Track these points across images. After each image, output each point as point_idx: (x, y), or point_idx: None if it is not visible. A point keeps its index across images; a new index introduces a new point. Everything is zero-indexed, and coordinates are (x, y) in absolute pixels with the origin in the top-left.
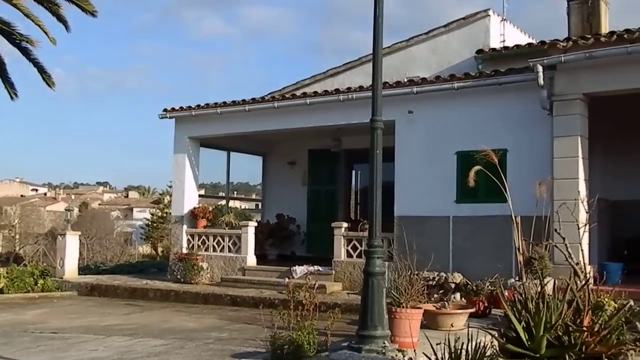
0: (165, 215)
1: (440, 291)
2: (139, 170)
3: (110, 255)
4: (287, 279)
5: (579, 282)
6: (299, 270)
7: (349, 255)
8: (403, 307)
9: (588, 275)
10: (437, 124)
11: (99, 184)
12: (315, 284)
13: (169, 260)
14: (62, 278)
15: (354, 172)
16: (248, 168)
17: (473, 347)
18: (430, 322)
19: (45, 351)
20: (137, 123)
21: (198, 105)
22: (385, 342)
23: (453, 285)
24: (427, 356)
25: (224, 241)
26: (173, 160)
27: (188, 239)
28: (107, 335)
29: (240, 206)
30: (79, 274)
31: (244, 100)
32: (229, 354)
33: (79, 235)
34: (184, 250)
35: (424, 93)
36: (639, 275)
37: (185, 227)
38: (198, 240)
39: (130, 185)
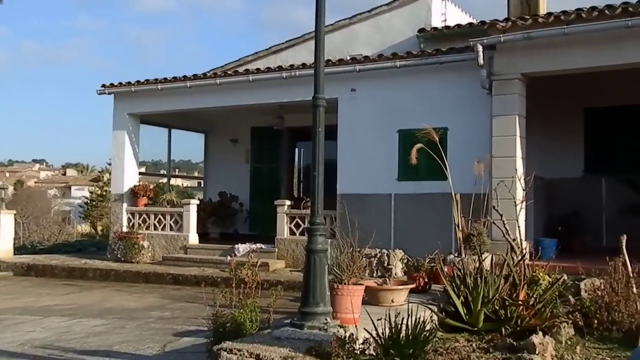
0: (104, 193)
1: (382, 268)
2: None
3: (48, 234)
4: (229, 257)
5: (515, 257)
6: (242, 248)
7: (292, 233)
8: (345, 284)
9: (524, 251)
10: (380, 102)
11: (35, 161)
12: (257, 262)
13: (108, 239)
14: None
15: (297, 150)
16: (190, 145)
17: (413, 322)
18: (371, 298)
19: None
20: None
21: (138, 81)
22: (327, 318)
23: (394, 262)
24: (368, 331)
25: (165, 219)
26: (112, 137)
27: (128, 218)
28: (45, 316)
29: (183, 184)
30: (15, 254)
31: (185, 77)
32: (170, 332)
33: (14, 214)
34: (124, 229)
35: (366, 71)
36: (572, 251)
37: (125, 205)
38: (139, 219)
39: (68, 163)
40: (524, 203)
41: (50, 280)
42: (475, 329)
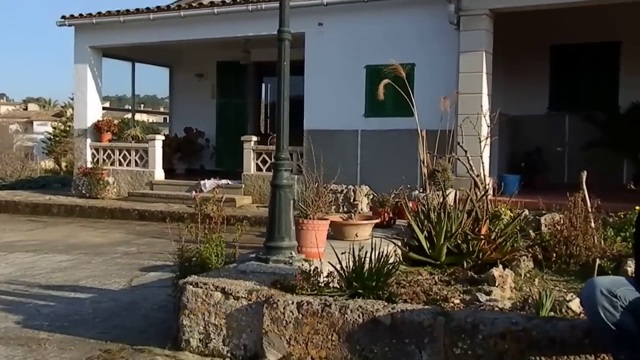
0: (68, 128)
1: (348, 204)
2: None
3: (10, 170)
4: (194, 192)
5: (478, 193)
6: (208, 184)
7: (259, 168)
8: (310, 218)
9: (487, 187)
10: (347, 37)
11: None
12: (222, 197)
13: (73, 175)
14: None
15: (263, 85)
16: (155, 80)
17: (376, 255)
18: (336, 233)
19: None
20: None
21: (99, 13)
22: (292, 252)
23: (360, 198)
24: (332, 265)
25: (130, 155)
26: (74, 71)
27: (92, 153)
28: (9, 252)
29: (148, 120)
30: None
31: (148, 9)
32: (137, 267)
33: None
34: (89, 165)
35: (334, 5)
36: (535, 187)
37: (89, 140)
38: (103, 155)
39: (29, 97)
40: (489, 139)
41: (13, 217)
42: (438, 262)
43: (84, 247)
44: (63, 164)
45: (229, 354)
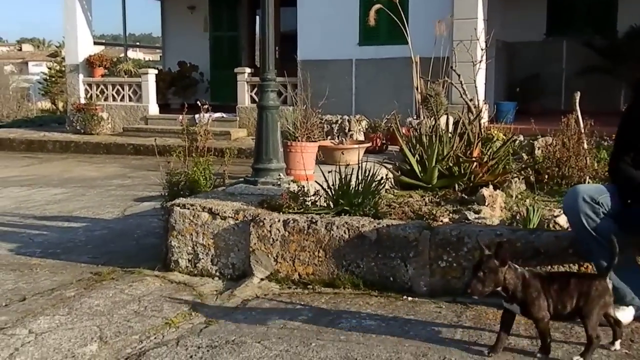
0: (63, 69)
1: (342, 134)
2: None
3: (7, 111)
4: (180, 117)
5: (471, 117)
6: (203, 117)
7: (253, 101)
8: (298, 141)
9: (480, 111)
10: None
11: None
12: (208, 119)
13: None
14: None
15: (257, 17)
16: (149, 18)
17: (362, 174)
18: (327, 157)
19: None
20: None
21: None
22: (281, 174)
23: (355, 128)
24: (319, 184)
25: (123, 90)
26: (63, 5)
27: (85, 89)
28: (4, 187)
29: (144, 58)
30: None
31: None
32: (131, 198)
33: None
34: (82, 101)
35: None
36: (531, 113)
37: (81, 76)
38: (96, 90)
39: (23, 38)
40: (483, 63)
41: (8, 154)
42: (430, 185)
43: (79, 180)
44: (60, 104)
45: (217, 273)
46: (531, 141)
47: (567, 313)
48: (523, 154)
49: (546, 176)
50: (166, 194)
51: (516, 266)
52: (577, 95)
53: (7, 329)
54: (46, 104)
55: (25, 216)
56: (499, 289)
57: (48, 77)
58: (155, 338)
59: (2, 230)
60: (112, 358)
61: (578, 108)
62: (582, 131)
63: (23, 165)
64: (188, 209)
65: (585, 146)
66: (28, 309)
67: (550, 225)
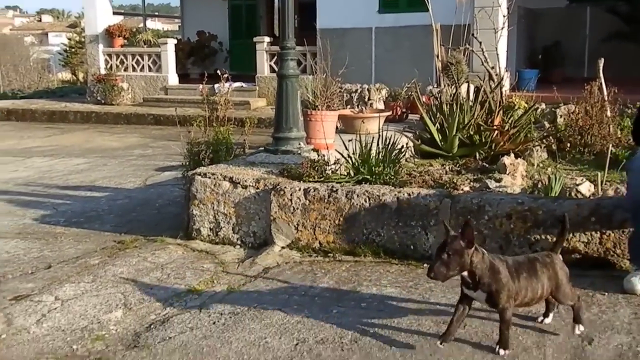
0: (83, 39)
1: (362, 103)
2: None
3: (28, 82)
4: (201, 86)
5: (493, 85)
6: (222, 87)
7: (272, 70)
8: (318, 109)
9: (502, 78)
10: None
11: (8, 8)
12: (228, 89)
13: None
14: None
15: None
16: None
17: (383, 142)
18: (347, 126)
19: None
20: None
21: None
22: (301, 143)
23: (375, 97)
24: (339, 152)
25: (143, 60)
26: None
27: (105, 59)
28: (28, 157)
29: (163, 28)
30: None
31: None
32: (152, 168)
33: None
34: (102, 71)
35: None
36: (553, 81)
37: (101, 46)
38: (116, 60)
39: (42, 9)
40: (505, 30)
41: (31, 124)
42: (450, 154)
43: (100, 151)
44: (80, 75)
45: (238, 242)
46: (553, 109)
47: (537, 299)
48: (545, 122)
49: (568, 144)
50: (187, 163)
51: (484, 250)
52: (601, 62)
53: (34, 295)
54: (66, 75)
55: (49, 186)
56: (465, 274)
57: (68, 48)
58: (178, 305)
59: (27, 199)
60: (136, 324)
61: (601, 75)
62: (606, 99)
63: (45, 136)
64: (209, 178)
65: (609, 114)
66: (54, 276)
67: (572, 194)
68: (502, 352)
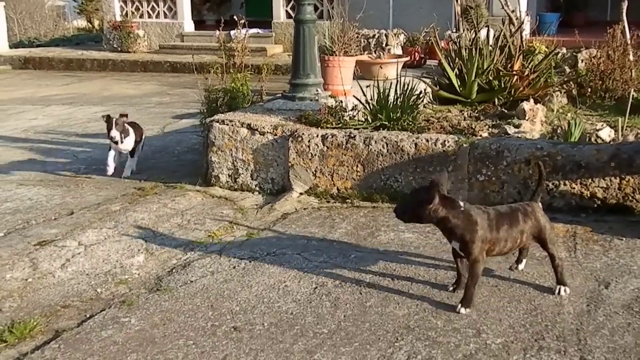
0: None
1: (380, 49)
2: None
3: (44, 30)
4: (217, 32)
5: (513, 29)
6: (239, 33)
7: (289, 16)
8: (335, 55)
9: (522, 22)
10: None
11: None
12: (245, 35)
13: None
14: None
15: None
16: None
17: (401, 88)
18: (365, 72)
19: None
20: None
21: None
22: (318, 89)
23: (393, 43)
24: (356, 98)
25: (158, 6)
26: None
27: (121, 6)
28: (46, 105)
29: None
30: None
31: None
32: (169, 115)
33: (6, 8)
34: (118, 18)
35: None
36: (575, 25)
37: None
38: (131, 7)
39: None
40: None
41: (48, 73)
42: (469, 100)
43: (118, 98)
44: (96, 23)
45: (257, 188)
46: (574, 54)
47: (517, 246)
48: (565, 67)
49: (589, 90)
50: (204, 110)
51: (462, 203)
52: (624, 5)
53: (58, 241)
54: (82, 23)
55: (68, 134)
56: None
57: None
58: (198, 250)
59: (48, 147)
60: (158, 268)
61: (625, 18)
62: (629, 43)
63: (63, 84)
64: (227, 124)
65: (631, 58)
66: (76, 222)
67: (592, 139)
68: (462, 310)
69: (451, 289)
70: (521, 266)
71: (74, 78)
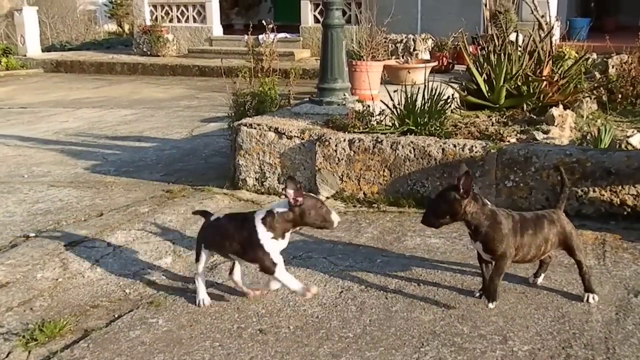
0: None
1: (408, 53)
2: None
3: (75, 34)
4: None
5: (542, 34)
6: (267, 37)
7: (317, 21)
8: (363, 60)
9: (552, 27)
10: None
11: None
12: (273, 39)
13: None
14: (25, 56)
15: None
16: None
17: (429, 93)
18: (392, 77)
19: (16, 125)
20: None
21: None
22: (346, 94)
23: (420, 47)
24: (384, 103)
25: (187, 11)
26: None
27: (151, 10)
28: (77, 108)
29: None
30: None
31: None
32: (198, 119)
33: (39, 12)
34: (148, 22)
35: None
36: (605, 30)
37: None
38: (161, 11)
39: None
40: None
41: (79, 76)
42: (497, 105)
43: (147, 102)
44: (126, 27)
45: (284, 192)
46: (605, 59)
47: (541, 255)
48: (596, 73)
49: (620, 95)
50: (232, 114)
51: (485, 201)
52: None
53: (87, 241)
54: (113, 27)
55: (98, 136)
56: (465, 223)
57: (113, 0)
58: None
59: (78, 149)
60: (185, 270)
61: None
62: None
63: (94, 87)
64: (255, 128)
65: None
66: (105, 223)
67: (622, 146)
68: (490, 305)
69: (477, 295)
70: (539, 280)
71: (104, 81)
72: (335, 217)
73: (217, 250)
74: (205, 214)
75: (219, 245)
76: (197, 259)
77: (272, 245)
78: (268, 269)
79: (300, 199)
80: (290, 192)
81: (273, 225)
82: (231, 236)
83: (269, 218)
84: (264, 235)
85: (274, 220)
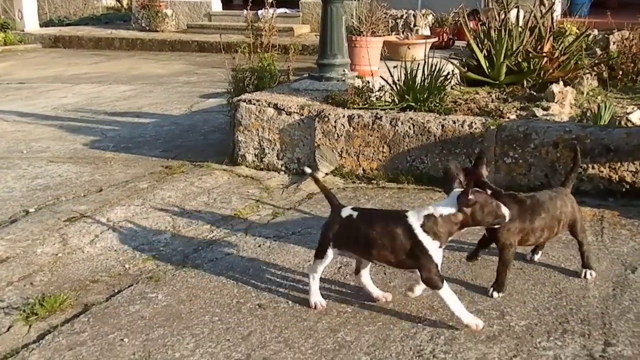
0: None
1: (408, 29)
2: None
3: (73, 9)
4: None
5: (543, 10)
6: (266, 13)
7: None
8: (363, 35)
9: (553, 2)
10: None
11: None
12: (272, 15)
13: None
14: (23, 31)
15: None
16: None
17: (428, 69)
18: (392, 53)
19: (15, 100)
20: None
21: None
22: (345, 70)
23: (421, 23)
24: (384, 79)
25: None
26: None
27: None
28: (76, 84)
29: None
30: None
31: None
32: (197, 95)
33: None
34: None
35: None
36: (607, 7)
37: None
38: None
39: None
40: None
41: (77, 51)
42: (497, 82)
43: (146, 77)
44: (124, 2)
45: (283, 168)
46: (606, 35)
47: (554, 236)
48: (597, 49)
49: (620, 72)
50: (231, 90)
51: (495, 188)
52: None
53: (87, 217)
54: (111, 2)
55: (97, 112)
56: None
57: None
58: (224, 228)
59: (77, 125)
60: (184, 245)
61: None
62: None
63: (92, 63)
64: (254, 104)
65: None
66: (105, 199)
67: (622, 122)
68: (495, 294)
69: (465, 258)
70: (537, 256)
71: (102, 57)
72: (505, 211)
73: (355, 254)
74: (331, 199)
75: (361, 252)
76: (320, 257)
77: (439, 255)
78: (435, 284)
79: (472, 196)
80: (470, 187)
81: (436, 231)
82: (381, 245)
83: (429, 223)
84: (431, 245)
85: (437, 225)
